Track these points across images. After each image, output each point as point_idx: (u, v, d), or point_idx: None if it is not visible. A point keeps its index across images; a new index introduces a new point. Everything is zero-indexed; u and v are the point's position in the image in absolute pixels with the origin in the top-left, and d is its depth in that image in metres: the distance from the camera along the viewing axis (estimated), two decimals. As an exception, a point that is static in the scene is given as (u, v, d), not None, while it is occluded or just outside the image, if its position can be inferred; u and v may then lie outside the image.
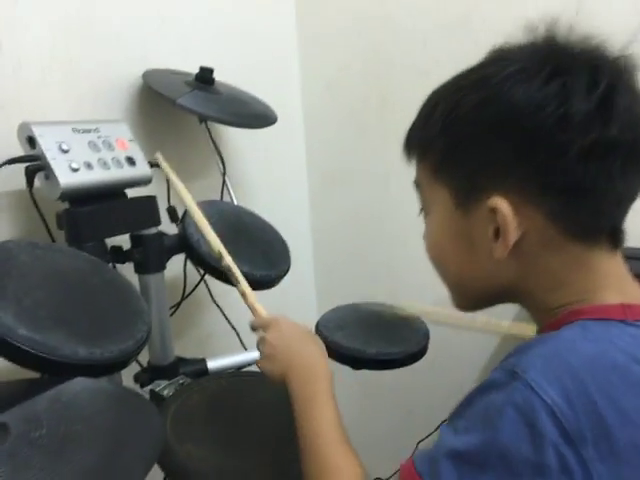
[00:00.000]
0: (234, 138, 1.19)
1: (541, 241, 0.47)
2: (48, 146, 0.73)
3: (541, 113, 0.43)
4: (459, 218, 0.50)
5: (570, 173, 0.44)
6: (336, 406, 0.57)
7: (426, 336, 0.97)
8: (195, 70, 1.01)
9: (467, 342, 1.26)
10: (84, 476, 0.39)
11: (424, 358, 0.95)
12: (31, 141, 0.74)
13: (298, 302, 1.09)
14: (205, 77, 1.01)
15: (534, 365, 0.42)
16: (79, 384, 0.51)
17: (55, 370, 0.54)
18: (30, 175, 0.73)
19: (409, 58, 1.44)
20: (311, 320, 0.95)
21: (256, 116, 1.03)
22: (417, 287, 1.13)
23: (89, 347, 0.56)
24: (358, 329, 0.98)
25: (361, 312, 1.05)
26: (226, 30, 1.18)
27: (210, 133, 1.06)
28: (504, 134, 0.45)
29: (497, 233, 0.47)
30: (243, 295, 0.74)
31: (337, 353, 0.94)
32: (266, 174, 1.32)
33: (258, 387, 0.79)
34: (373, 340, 0.94)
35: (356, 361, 0.93)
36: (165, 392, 0.75)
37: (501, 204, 0.46)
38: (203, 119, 1.04)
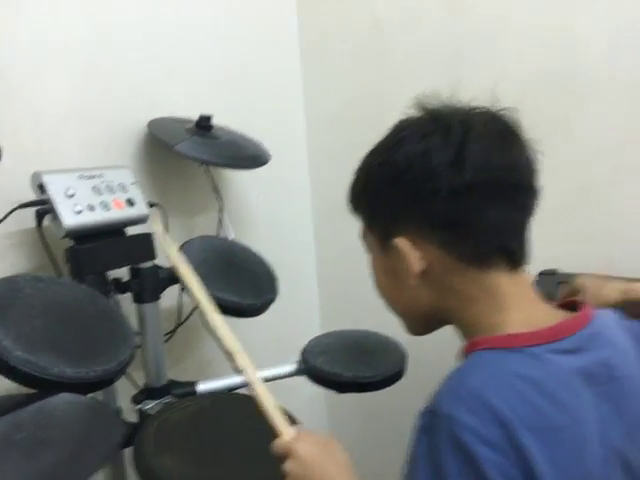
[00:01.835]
0: (235, 177, 1.30)
1: (443, 268, 0.56)
2: (55, 192, 0.85)
3: (414, 169, 0.54)
4: (384, 258, 0.61)
5: (445, 212, 0.54)
6: None
7: (402, 360, 1.03)
8: (197, 115, 1.13)
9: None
10: (50, 469, 0.48)
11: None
12: (41, 187, 0.85)
13: (303, 332, 1.17)
14: (204, 124, 1.12)
15: (444, 397, 0.50)
16: (61, 398, 0.60)
17: (45, 386, 0.63)
18: (40, 217, 0.85)
19: (407, 94, 1.53)
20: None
21: (249, 158, 1.13)
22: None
23: (75, 367, 0.66)
24: (340, 354, 1.05)
25: (345, 338, 1.12)
26: (232, 75, 1.30)
27: (210, 173, 1.17)
28: (396, 187, 0.56)
29: (407, 266, 0.57)
30: (261, 406, 0.64)
31: (317, 377, 1.02)
32: (269, 210, 1.41)
33: (239, 407, 0.87)
34: (352, 364, 1.01)
35: (335, 384, 1.00)
36: (150, 410, 0.84)
37: (399, 242, 0.57)
38: (201, 163, 1.15)
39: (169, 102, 1.16)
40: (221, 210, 1.17)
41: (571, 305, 0.60)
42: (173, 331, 1.08)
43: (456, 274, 0.56)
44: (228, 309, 0.98)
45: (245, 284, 1.02)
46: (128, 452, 0.87)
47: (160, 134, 1.06)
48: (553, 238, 1.27)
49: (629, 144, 1.17)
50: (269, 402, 0.63)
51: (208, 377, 1.05)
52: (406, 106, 0.59)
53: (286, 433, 0.61)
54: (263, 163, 1.15)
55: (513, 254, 0.56)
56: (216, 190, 1.17)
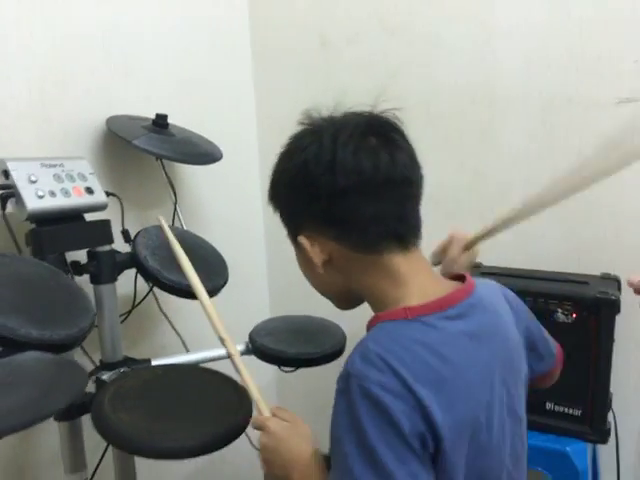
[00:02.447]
0: (188, 174, 1.39)
1: (341, 257, 0.66)
2: (19, 177, 0.91)
3: (298, 178, 0.65)
4: (297, 251, 0.71)
5: (328, 212, 0.64)
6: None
7: (342, 340, 1.14)
8: (153, 115, 1.21)
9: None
10: (24, 403, 0.56)
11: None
12: (5, 173, 0.92)
13: (254, 318, 1.25)
14: (160, 122, 1.20)
15: (353, 361, 0.60)
16: (29, 355, 0.67)
17: (12, 346, 0.70)
18: (3, 200, 0.91)
19: (349, 104, 1.66)
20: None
21: (202, 154, 1.22)
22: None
23: (41, 330, 0.73)
24: (285, 335, 1.15)
25: (290, 322, 1.22)
26: (188, 80, 1.39)
27: (164, 169, 1.25)
28: (291, 192, 0.67)
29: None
30: (249, 392, 0.76)
31: (264, 354, 1.11)
32: (221, 205, 1.50)
33: (189, 375, 0.95)
34: (296, 343, 1.11)
35: (280, 360, 1.09)
36: (106, 378, 0.91)
37: (301, 240, 0.67)
38: (157, 157, 1.23)
39: (125, 102, 1.24)
40: (175, 203, 1.25)
41: (459, 277, 0.71)
42: (128, 313, 1.14)
43: (354, 261, 0.66)
44: (181, 291, 1.06)
45: (197, 269, 1.10)
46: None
47: (118, 130, 1.14)
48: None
49: (541, 152, 1.33)
50: (252, 384, 0.76)
51: (161, 356, 1.12)
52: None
53: (263, 410, 0.73)
54: (215, 160, 1.24)
55: (401, 238, 0.66)
56: (171, 184, 1.26)
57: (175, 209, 1.26)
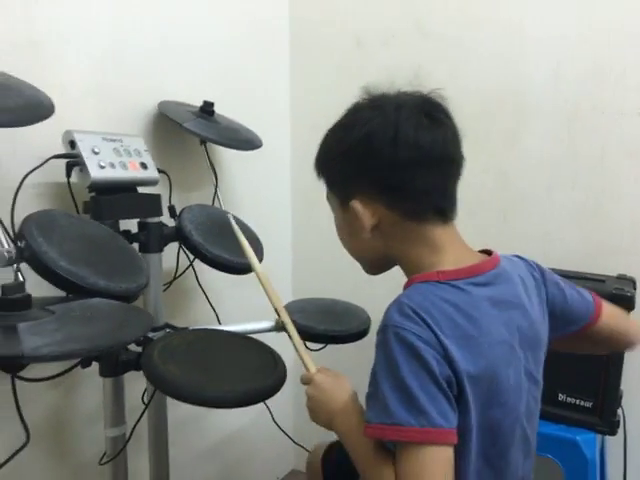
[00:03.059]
0: (228, 160, 1.46)
1: (389, 223, 0.73)
2: (84, 148, 0.99)
3: (362, 146, 0.70)
4: (344, 215, 0.77)
5: (386, 180, 0.71)
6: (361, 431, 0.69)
7: (367, 321, 1.20)
8: (200, 103, 1.29)
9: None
10: (104, 332, 0.63)
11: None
12: (72, 144, 1.00)
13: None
14: (207, 109, 1.28)
15: (391, 315, 0.67)
16: (98, 300, 0.75)
17: (82, 293, 0.77)
18: (69, 168, 0.99)
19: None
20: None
21: (245, 140, 1.30)
22: (379, 291, 1.36)
23: (106, 281, 0.80)
24: (313, 314, 1.22)
25: (317, 303, 1.29)
26: (231, 72, 1.47)
27: (207, 153, 1.33)
28: (350, 160, 0.73)
29: (361, 222, 0.73)
30: (296, 349, 0.86)
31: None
32: (254, 192, 1.58)
33: (229, 339, 1.02)
34: (324, 321, 1.18)
35: (309, 337, 1.16)
36: (153, 336, 0.98)
37: (354, 204, 0.73)
38: (203, 141, 1.31)
39: (175, 88, 1.32)
40: (216, 185, 1.33)
41: (487, 252, 0.78)
42: (169, 283, 1.22)
43: (399, 227, 0.73)
44: (221, 265, 1.13)
45: (236, 246, 1.17)
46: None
47: (170, 113, 1.22)
48: (498, 233, 1.49)
49: (565, 158, 1.40)
50: (301, 346, 0.85)
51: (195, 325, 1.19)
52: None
53: (310, 368, 0.82)
54: (256, 146, 1.32)
55: (443, 211, 0.73)
56: (212, 168, 1.33)
57: (215, 191, 1.33)
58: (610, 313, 0.85)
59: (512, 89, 1.43)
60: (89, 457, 1.16)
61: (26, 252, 0.77)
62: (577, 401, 1.22)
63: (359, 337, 1.17)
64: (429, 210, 0.72)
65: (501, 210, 1.49)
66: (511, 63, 1.42)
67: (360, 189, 0.73)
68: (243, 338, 1.02)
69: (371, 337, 1.21)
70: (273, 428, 1.41)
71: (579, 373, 1.21)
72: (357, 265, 1.84)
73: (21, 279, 0.75)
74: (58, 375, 0.93)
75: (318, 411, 0.77)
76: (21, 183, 0.91)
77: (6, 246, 0.79)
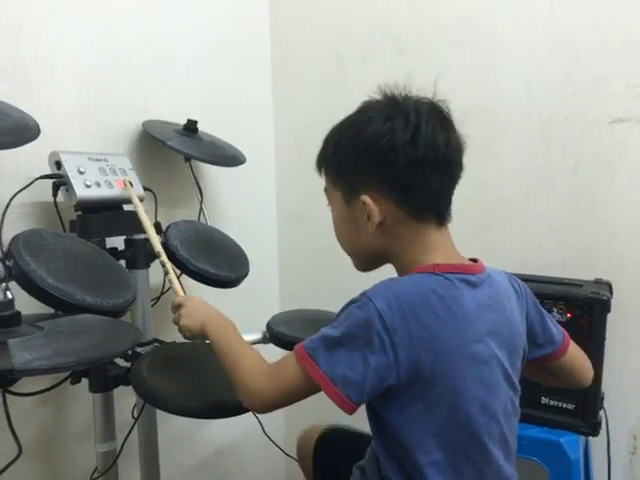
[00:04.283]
0: (212, 176, 1.49)
1: (394, 220, 0.76)
2: (70, 168, 1.02)
3: (380, 143, 0.73)
4: (347, 210, 0.79)
5: (400, 178, 0.73)
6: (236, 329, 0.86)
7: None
8: (183, 121, 1.32)
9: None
10: (94, 344, 0.65)
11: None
12: (58, 164, 1.02)
13: (265, 313, 1.35)
14: (190, 127, 1.31)
15: (376, 290, 0.71)
16: (86, 315, 0.77)
17: (69, 309, 0.79)
18: (56, 188, 1.01)
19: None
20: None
21: (228, 157, 1.33)
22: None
23: (94, 297, 0.82)
24: (300, 325, 1.24)
25: (304, 314, 1.31)
26: (214, 91, 1.51)
27: (192, 170, 1.36)
28: (364, 156, 0.75)
29: (369, 217, 0.76)
30: (170, 282, 0.96)
31: (281, 341, 1.19)
32: (239, 206, 1.61)
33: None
34: (310, 332, 1.19)
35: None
36: (141, 350, 1.00)
37: (366, 199, 0.75)
38: (187, 158, 1.33)
39: (158, 107, 1.35)
40: (201, 201, 1.35)
41: (473, 260, 0.81)
42: (157, 299, 1.23)
43: (403, 225, 0.75)
44: (207, 279, 1.15)
45: (222, 260, 1.20)
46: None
47: (154, 132, 1.25)
48: (479, 242, 1.52)
49: (540, 167, 1.44)
50: (174, 275, 0.96)
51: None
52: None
53: (179, 293, 0.93)
54: (240, 163, 1.35)
55: (442, 213, 0.77)
56: (197, 184, 1.36)
57: (201, 207, 1.36)
58: (574, 349, 0.89)
59: (487, 104, 1.47)
60: (80, 473, 1.16)
61: (15, 270, 0.79)
62: (560, 404, 1.25)
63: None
64: (431, 211, 0.75)
65: (481, 220, 1.53)
66: (485, 78, 1.47)
67: (371, 185, 0.74)
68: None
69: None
70: (264, 441, 1.42)
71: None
72: (343, 275, 1.86)
73: (10, 297, 0.77)
74: (47, 390, 0.94)
75: (191, 316, 0.86)
76: (8, 204, 0.93)
77: (-6, 265, 0.81)
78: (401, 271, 0.79)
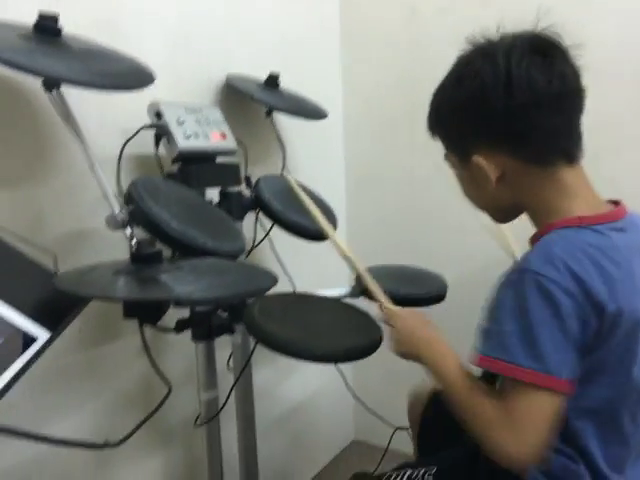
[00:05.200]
0: (286, 133, 1.47)
1: (514, 171, 0.72)
2: (170, 118, 1.01)
3: (474, 99, 0.70)
4: (466, 172, 0.77)
5: (504, 128, 0.70)
6: (459, 364, 0.75)
7: (445, 285, 1.21)
8: (259, 77, 1.30)
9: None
10: (235, 281, 0.65)
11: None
12: (158, 114, 1.02)
13: (334, 275, 1.34)
14: (272, 81, 1.29)
15: (535, 261, 0.67)
16: (213, 258, 0.77)
17: (192, 253, 0.79)
18: (157, 138, 1.01)
19: (438, 78, 1.72)
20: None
21: (312, 110, 1.31)
22: (435, 261, 1.37)
23: (214, 242, 0.82)
24: (387, 279, 1.22)
25: (390, 269, 1.30)
26: (282, 47, 1.48)
27: (274, 124, 1.34)
28: (464, 116, 0.72)
29: (486, 175, 0.73)
30: (365, 282, 0.92)
31: (371, 296, 1.18)
32: (310, 164, 1.59)
33: (317, 301, 1.04)
34: (401, 285, 1.18)
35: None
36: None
37: (477, 160, 0.72)
38: (268, 113, 1.32)
39: (238, 62, 1.33)
40: (284, 156, 1.34)
41: (613, 202, 0.77)
42: (248, 252, 1.24)
43: (525, 174, 0.72)
44: (300, 231, 1.15)
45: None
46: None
47: (239, 85, 1.23)
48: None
49: (628, 121, 1.38)
50: (375, 285, 0.90)
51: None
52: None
53: (390, 305, 0.86)
54: (324, 116, 1.33)
55: (568, 151, 0.72)
56: (280, 139, 1.35)
57: (284, 162, 1.34)
58: None
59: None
60: (183, 420, 1.20)
61: (138, 215, 0.79)
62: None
63: (438, 300, 1.17)
64: (554, 152, 0.71)
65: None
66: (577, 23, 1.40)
67: (480, 143, 0.72)
68: (329, 300, 1.04)
69: (448, 300, 1.22)
70: (332, 400, 1.43)
71: None
72: (412, 236, 1.83)
73: (134, 240, 0.78)
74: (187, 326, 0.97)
75: (407, 343, 0.80)
76: (121, 152, 0.93)
77: (117, 210, 0.81)
78: (539, 220, 0.75)
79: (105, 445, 0.48)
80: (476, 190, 0.78)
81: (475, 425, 0.69)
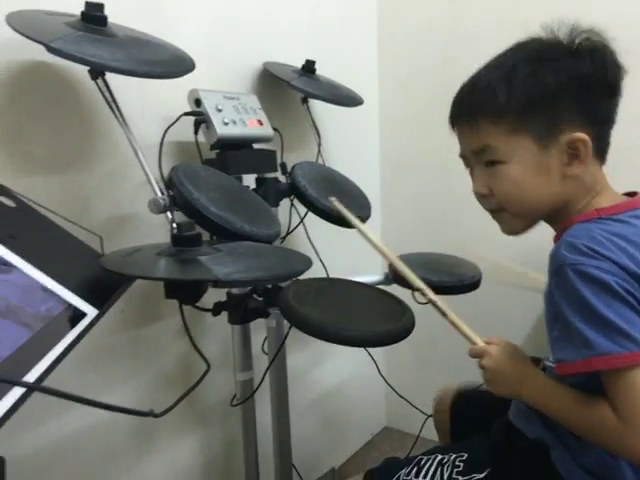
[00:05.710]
0: (322, 120, 1.48)
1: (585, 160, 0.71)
2: (209, 105, 1.03)
3: (573, 85, 0.69)
4: (540, 156, 0.71)
5: (601, 110, 0.70)
6: (557, 390, 0.71)
7: (479, 272, 1.20)
8: (295, 64, 1.30)
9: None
10: (272, 264, 0.67)
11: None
12: (197, 102, 1.04)
13: (368, 263, 1.35)
14: (309, 67, 1.30)
15: (564, 256, 0.66)
16: (250, 242, 0.79)
17: (230, 236, 0.82)
18: (197, 125, 1.03)
19: (473, 63, 1.69)
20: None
21: (348, 97, 1.31)
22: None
23: (251, 226, 0.84)
24: (421, 267, 1.22)
25: (423, 257, 1.30)
26: (319, 33, 1.48)
27: (310, 111, 1.35)
28: (568, 92, 0.69)
29: (570, 159, 0.71)
30: (454, 325, 0.80)
31: (407, 284, 1.18)
32: (345, 152, 1.59)
33: (352, 287, 1.05)
34: (435, 273, 1.18)
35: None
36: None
37: (580, 136, 0.68)
38: (305, 99, 1.33)
39: (275, 50, 1.34)
40: (319, 143, 1.35)
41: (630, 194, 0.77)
42: (283, 238, 1.26)
43: (589, 166, 0.71)
44: (335, 218, 1.16)
45: (346, 200, 1.19)
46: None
47: (276, 72, 1.24)
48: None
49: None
50: (462, 324, 0.80)
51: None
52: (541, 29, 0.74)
53: (476, 339, 0.78)
54: (359, 103, 1.33)
55: (604, 151, 0.73)
56: (315, 126, 1.35)
57: (319, 149, 1.35)
58: None
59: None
60: (220, 399, 1.23)
61: (179, 199, 0.81)
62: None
63: (473, 288, 1.17)
64: (607, 147, 0.72)
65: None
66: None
67: (570, 123, 0.70)
68: (364, 285, 1.05)
69: (482, 288, 1.22)
70: (364, 386, 1.44)
71: None
72: (445, 226, 1.81)
73: (174, 223, 0.80)
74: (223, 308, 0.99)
75: (501, 383, 0.75)
76: (162, 139, 0.96)
77: (159, 195, 0.84)
78: (561, 218, 0.74)
79: (150, 413, 0.50)
80: (540, 183, 0.72)
81: (599, 438, 0.66)
